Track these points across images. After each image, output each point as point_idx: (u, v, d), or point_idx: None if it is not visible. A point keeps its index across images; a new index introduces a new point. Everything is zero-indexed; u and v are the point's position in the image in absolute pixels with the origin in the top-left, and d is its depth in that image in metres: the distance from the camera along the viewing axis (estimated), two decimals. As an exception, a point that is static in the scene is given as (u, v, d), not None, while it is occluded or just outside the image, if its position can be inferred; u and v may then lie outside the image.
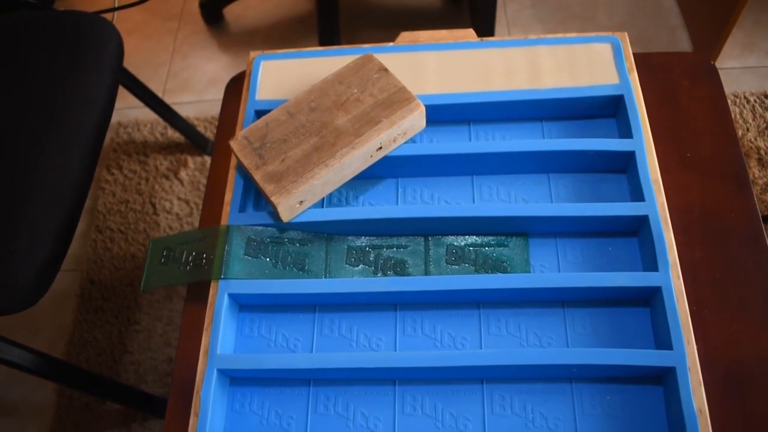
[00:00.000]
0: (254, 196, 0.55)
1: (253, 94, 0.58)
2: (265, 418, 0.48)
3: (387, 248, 0.52)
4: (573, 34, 0.58)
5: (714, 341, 0.47)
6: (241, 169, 0.54)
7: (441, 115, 0.57)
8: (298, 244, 0.51)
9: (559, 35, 0.58)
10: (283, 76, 0.59)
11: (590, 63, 0.56)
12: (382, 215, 0.50)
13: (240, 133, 0.52)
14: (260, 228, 0.51)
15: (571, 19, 1.30)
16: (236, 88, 0.63)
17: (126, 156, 1.22)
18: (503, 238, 0.52)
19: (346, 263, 0.51)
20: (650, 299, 0.48)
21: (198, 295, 0.52)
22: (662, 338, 0.46)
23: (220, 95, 1.21)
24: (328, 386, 0.48)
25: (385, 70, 0.53)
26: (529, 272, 0.50)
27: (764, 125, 1.12)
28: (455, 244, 0.51)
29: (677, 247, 0.49)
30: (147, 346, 1.02)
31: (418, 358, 0.45)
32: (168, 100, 1.28)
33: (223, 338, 0.48)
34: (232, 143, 0.51)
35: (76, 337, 1.04)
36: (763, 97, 1.14)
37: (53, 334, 1.06)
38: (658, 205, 0.49)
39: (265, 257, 0.50)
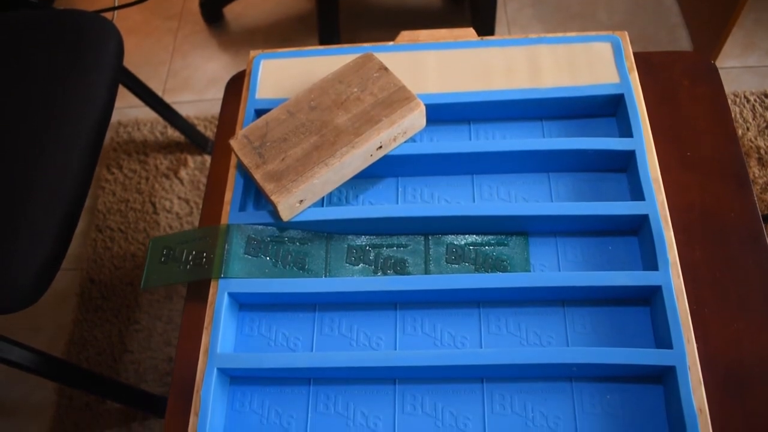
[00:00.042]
0: (254, 195, 0.55)
1: (253, 93, 0.58)
2: (265, 417, 0.48)
3: (387, 247, 0.52)
4: (573, 34, 0.58)
5: (714, 340, 0.47)
6: (241, 168, 0.54)
7: (441, 114, 0.57)
8: (298, 243, 0.51)
9: (559, 34, 0.58)
10: (283, 75, 0.59)
11: (590, 62, 0.56)
12: (382, 214, 0.50)
13: (240, 132, 0.52)
14: (260, 227, 0.51)
15: (571, 19, 1.30)
16: (236, 87, 0.63)
17: (126, 155, 1.22)
18: (503, 237, 0.52)
19: (346, 262, 0.51)
20: (650, 298, 0.48)
21: (198, 294, 0.52)
22: (662, 337, 0.46)
23: (220, 94, 1.21)
24: (328, 385, 0.48)
25: (385, 69, 0.53)
26: (529, 271, 0.50)
27: (764, 125, 1.12)
28: (455, 243, 0.51)
29: (677, 247, 0.49)
30: (147, 346, 1.02)
31: (418, 357, 0.45)
32: (168, 99, 1.28)
33: (223, 337, 0.48)
34: (232, 142, 0.51)
35: (76, 337, 1.04)
36: (763, 97, 1.14)
37: (53, 333, 1.06)
38: (658, 204, 0.49)
39: (265, 256, 0.50)
